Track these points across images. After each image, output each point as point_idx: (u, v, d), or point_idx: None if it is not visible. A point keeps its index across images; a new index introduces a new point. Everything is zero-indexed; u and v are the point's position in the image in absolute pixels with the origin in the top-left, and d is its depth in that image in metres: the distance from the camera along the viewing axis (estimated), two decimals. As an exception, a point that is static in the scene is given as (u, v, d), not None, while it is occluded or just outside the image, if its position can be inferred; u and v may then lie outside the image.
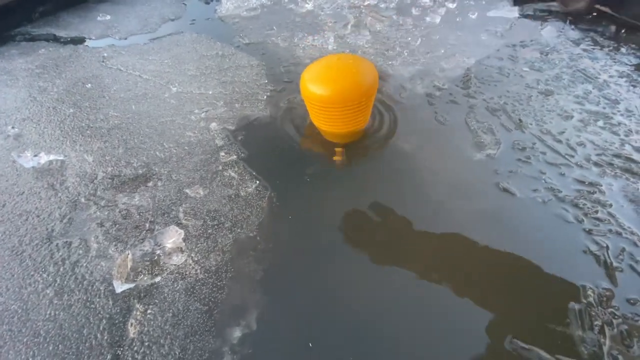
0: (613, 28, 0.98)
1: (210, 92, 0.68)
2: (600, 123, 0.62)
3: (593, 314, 0.36)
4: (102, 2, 1.07)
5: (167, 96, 0.67)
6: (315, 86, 0.51)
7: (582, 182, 0.51)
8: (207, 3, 1.09)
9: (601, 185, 0.50)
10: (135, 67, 0.76)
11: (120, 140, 0.57)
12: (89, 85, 0.70)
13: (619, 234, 0.44)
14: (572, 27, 0.99)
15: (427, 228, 0.45)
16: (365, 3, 1.06)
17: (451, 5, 1.07)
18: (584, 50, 0.87)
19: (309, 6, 1.03)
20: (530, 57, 0.83)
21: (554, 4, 1.13)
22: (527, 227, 0.45)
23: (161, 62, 0.78)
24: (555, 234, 0.44)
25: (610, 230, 0.44)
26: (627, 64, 0.78)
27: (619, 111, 0.65)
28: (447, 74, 0.75)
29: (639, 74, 0.76)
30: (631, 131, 0.60)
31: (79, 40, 0.88)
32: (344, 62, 0.53)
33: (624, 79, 0.74)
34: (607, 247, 0.42)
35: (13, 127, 0.59)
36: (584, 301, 0.37)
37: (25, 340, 0.35)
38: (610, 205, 0.47)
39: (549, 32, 0.96)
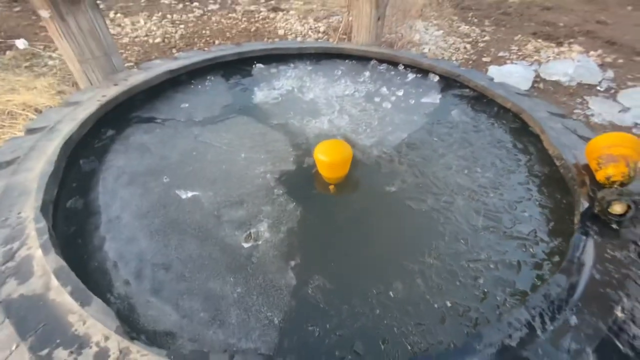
0: (495, 109, 1.63)
1: (263, 157, 1.25)
2: (466, 172, 1.22)
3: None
4: (177, 92, 1.66)
5: (239, 159, 1.23)
6: (322, 154, 1.08)
7: (439, 199, 1.09)
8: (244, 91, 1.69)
9: (453, 202, 1.08)
10: (216, 140, 1.33)
11: (222, 185, 1.13)
12: (195, 153, 1.26)
13: (457, 224, 1.01)
14: (471, 108, 1.63)
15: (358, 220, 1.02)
16: (346, 93, 1.69)
17: (400, 94, 1.71)
18: (474, 125, 1.50)
19: (311, 95, 1.65)
20: (440, 131, 1.45)
21: (466, 90, 1.80)
22: (425, 216, 1.02)
23: (230, 138, 1.35)
24: (426, 221, 1.01)
25: (450, 219, 1.02)
26: (496, 136, 1.41)
27: (478, 166, 1.25)
28: (391, 143, 1.35)
29: (498, 142, 1.38)
30: (479, 177, 1.20)
31: (175, 122, 1.44)
32: (336, 143, 1.11)
33: (491, 146, 1.36)
34: (449, 222, 0.99)
35: (166, 178, 1.14)
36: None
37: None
38: (458, 211, 1.05)
39: (457, 112, 1.60)
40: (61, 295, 0.68)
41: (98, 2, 4.28)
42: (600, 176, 0.99)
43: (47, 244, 0.78)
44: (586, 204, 0.94)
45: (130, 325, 0.72)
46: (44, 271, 0.73)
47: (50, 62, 2.89)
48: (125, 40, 3.76)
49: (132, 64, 3.26)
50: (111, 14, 4.28)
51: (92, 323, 0.64)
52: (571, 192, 1.06)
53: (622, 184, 0.95)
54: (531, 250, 0.94)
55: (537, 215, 1.04)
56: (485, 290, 0.84)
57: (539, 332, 0.66)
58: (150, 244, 0.92)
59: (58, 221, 0.95)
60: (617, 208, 0.87)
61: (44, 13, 1.47)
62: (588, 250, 0.82)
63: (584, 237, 0.85)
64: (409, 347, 0.72)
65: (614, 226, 0.90)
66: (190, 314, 0.77)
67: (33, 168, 1.02)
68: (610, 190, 0.91)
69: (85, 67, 1.64)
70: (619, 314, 0.71)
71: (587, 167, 1.08)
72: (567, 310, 0.70)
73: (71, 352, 0.60)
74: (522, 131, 1.41)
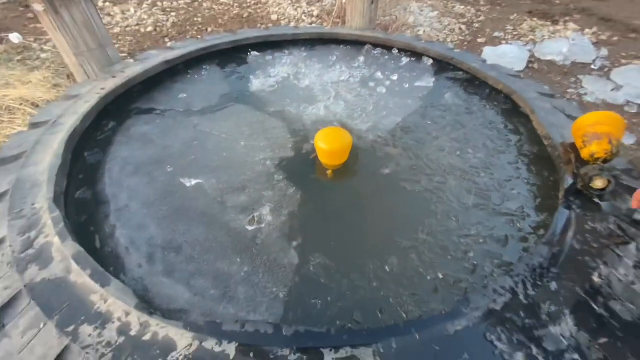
0: (487, 91, 1.66)
1: (262, 144, 1.29)
2: (458, 153, 1.26)
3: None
4: (175, 82, 1.68)
5: (239, 147, 1.27)
6: (322, 143, 1.12)
7: (432, 180, 1.14)
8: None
9: (446, 182, 1.13)
10: (215, 129, 1.36)
11: (224, 172, 1.17)
12: (196, 142, 1.30)
13: (449, 203, 1.07)
14: (464, 90, 1.67)
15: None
16: (341, 79, 1.71)
17: (394, 78, 1.73)
18: (466, 107, 1.54)
19: (306, 82, 1.68)
20: (434, 114, 1.49)
21: (459, 73, 1.82)
22: (419, 196, 1.08)
23: (228, 126, 1.38)
24: (422, 200, 1.07)
25: (442, 198, 1.07)
26: (488, 118, 1.45)
27: (470, 148, 1.30)
28: (386, 128, 1.39)
29: (490, 124, 1.42)
30: (470, 158, 1.25)
31: (174, 113, 1.47)
32: (336, 131, 1.15)
33: (483, 127, 1.40)
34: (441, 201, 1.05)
35: (169, 167, 1.18)
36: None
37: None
38: (450, 191, 1.10)
39: (450, 95, 1.63)
40: (82, 278, 0.74)
41: (86, -10, 4.19)
42: (585, 154, 1.05)
43: (64, 231, 0.83)
44: (570, 181, 1.00)
45: (147, 303, 0.78)
46: (64, 256, 0.78)
47: (43, 55, 2.87)
48: (117, 30, 3.71)
49: (125, 54, 3.23)
50: (100, 3, 4.20)
51: (113, 301, 0.70)
52: (558, 170, 1.11)
53: (606, 161, 1.00)
54: (518, 225, 1.00)
55: (525, 192, 1.10)
56: (475, 262, 0.90)
57: (521, 297, 0.72)
58: (159, 230, 0.97)
59: (69, 211, 0.99)
60: (598, 183, 0.93)
61: (38, 7, 1.47)
62: (570, 223, 0.88)
63: (566, 212, 0.91)
64: (404, 315, 0.78)
65: (596, 200, 0.96)
66: (202, 292, 0.83)
67: (41, 161, 1.06)
68: (592, 167, 0.96)
69: (81, 60, 1.65)
70: (596, 279, 0.78)
71: (573, 146, 1.13)
72: (547, 277, 0.76)
73: (96, 328, 0.66)
74: (513, 112, 1.45)
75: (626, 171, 1.10)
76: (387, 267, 0.89)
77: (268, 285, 0.85)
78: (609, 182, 0.91)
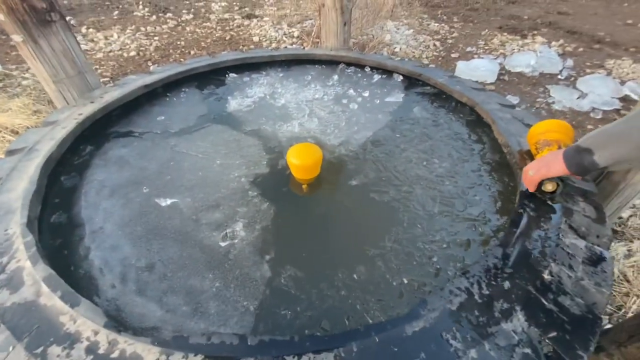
0: (453, 103, 1.76)
1: (237, 162, 1.33)
2: (425, 164, 1.33)
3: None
4: (154, 105, 1.72)
5: (215, 165, 1.31)
6: (293, 158, 1.17)
7: (400, 190, 1.19)
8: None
9: (412, 192, 1.19)
10: (192, 149, 1.40)
11: (199, 191, 1.20)
12: (172, 163, 1.33)
13: (415, 211, 1.12)
14: (431, 104, 1.75)
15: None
16: (315, 97, 1.79)
17: (366, 95, 1.82)
18: (433, 120, 1.62)
19: (282, 101, 1.74)
20: (403, 128, 1.56)
21: (427, 88, 1.92)
22: (387, 206, 1.13)
23: (205, 146, 1.42)
24: (390, 212, 1.12)
25: (408, 207, 1.12)
26: (453, 129, 1.53)
27: (436, 158, 1.37)
28: (357, 142, 1.45)
29: (455, 135, 1.50)
30: (436, 168, 1.31)
31: (152, 135, 1.51)
32: (307, 147, 1.20)
33: (448, 138, 1.47)
34: (406, 209, 1.10)
35: (145, 188, 1.21)
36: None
37: (192, 265, 0.96)
38: (416, 200, 1.16)
39: (418, 109, 1.72)
40: (52, 300, 0.75)
41: (69, 18, 4.26)
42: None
43: (35, 255, 0.84)
44: (524, 186, 1.06)
45: (118, 323, 0.80)
46: (34, 280, 0.80)
47: (24, 82, 2.89)
48: (100, 55, 3.77)
49: (107, 79, 3.28)
50: (83, 29, 4.27)
51: (82, 321, 0.71)
52: (516, 176, 1.18)
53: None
54: (480, 229, 1.05)
55: (486, 198, 1.16)
56: (438, 267, 0.95)
57: (476, 296, 0.77)
58: (133, 250, 1.00)
59: (43, 236, 1.01)
60: (549, 187, 0.99)
61: (17, 37, 1.51)
62: (523, 225, 0.94)
63: (520, 215, 0.97)
64: (370, 321, 0.82)
65: (549, 202, 1.02)
66: (174, 309, 0.85)
67: (16, 188, 1.07)
68: None
69: (60, 87, 1.69)
70: (547, 276, 0.83)
71: (529, 153, 1.21)
72: (501, 277, 0.81)
73: (64, 348, 0.68)
74: (477, 123, 1.53)
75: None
76: (355, 276, 0.92)
77: (239, 299, 0.87)
78: (558, 185, 0.98)
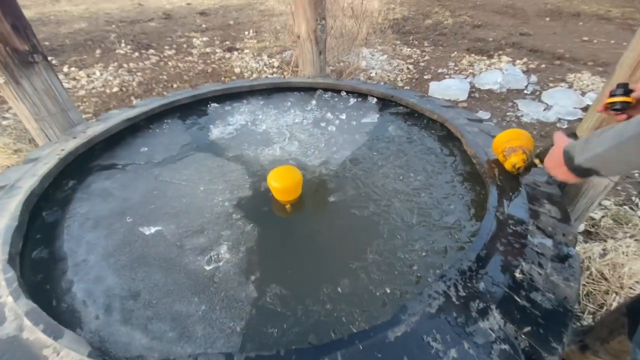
0: (425, 121, 1.86)
1: (221, 187, 1.36)
2: (401, 178, 1.39)
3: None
4: (136, 137, 1.75)
5: (199, 192, 1.34)
6: (274, 181, 1.21)
7: (379, 204, 1.24)
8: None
9: (391, 205, 1.24)
10: (175, 177, 1.43)
11: (183, 217, 1.22)
12: (156, 192, 1.35)
13: (394, 223, 1.17)
14: (405, 123, 1.85)
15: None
16: (295, 121, 1.86)
17: (343, 117, 1.91)
18: (407, 137, 1.71)
19: (263, 127, 1.81)
20: (379, 146, 1.64)
21: (400, 108, 2.03)
22: (367, 220, 1.17)
23: (189, 174, 1.45)
24: (374, 224, 1.16)
25: (388, 219, 1.17)
26: (426, 144, 1.61)
27: (411, 172, 1.44)
28: (336, 161, 1.51)
29: (428, 150, 1.58)
30: (412, 181, 1.38)
31: (135, 166, 1.53)
32: (287, 170, 1.25)
33: (422, 153, 1.55)
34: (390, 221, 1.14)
35: (129, 218, 1.22)
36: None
37: (178, 290, 0.97)
38: (395, 212, 1.21)
39: (393, 128, 1.81)
40: (34, 334, 0.75)
41: (50, 58, 4.32)
42: (508, 165, 1.20)
43: (17, 290, 0.84)
44: (495, 192, 1.13)
45: (102, 353, 0.79)
46: (16, 315, 0.79)
47: (5, 123, 2.89)
48: (82, 92, 3.81)
49: (90, 115, 3.31)
50: (65, 68, 4.33)
51: (66, 352, 0.71)
52: (485, 184, 1.25)
53: (527, 168, 1.16)
54: (456, 236, 1.10)
55: (460, 207, 1.22)
56: (419, 274, 0.98)
57: (453, 298, 0.80)
58: (117, 280, 0.99)
59: (25, 271, 1.00)
60: (513, 159, 1.14)
61: (-2, 79, 1.55)
62: (494, 229, 0.99)
63: (491, 219, 1.03)
64: (355, 331, 0.83)
65: (519, 176, 1.20)
66: (160, 335, 0.84)
67: (-3, 225, 1.07)
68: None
69: (42, 125, 1.71)
70: (518, 275, 0.87)
71: (496, 162, 1.29)
72: (476, 279, 0.85)
73: (47, 382, 0.67)
74: (448, 137, 1.62)
75: (545, 180, 1.26)
76: (339, 289, 0.95)
77: (225, 320, 0.88)
78: (523, 162, 1.10)
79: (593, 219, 2.03)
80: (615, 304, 1.55)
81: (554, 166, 0.80)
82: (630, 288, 1.56)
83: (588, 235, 1.92)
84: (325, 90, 2.20)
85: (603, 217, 2.04)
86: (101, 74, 4.22)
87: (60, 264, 1.05)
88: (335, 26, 4.64)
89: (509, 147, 1.22)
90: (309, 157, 1.55)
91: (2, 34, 1.48)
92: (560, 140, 0.79)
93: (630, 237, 1.86)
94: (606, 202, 2.18)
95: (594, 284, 1.63)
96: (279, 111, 1.97)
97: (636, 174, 2.51)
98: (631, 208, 2.15)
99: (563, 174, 0.78)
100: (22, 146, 2.53)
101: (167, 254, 1.07)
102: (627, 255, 1.68)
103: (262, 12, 7.55)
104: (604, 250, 1.78)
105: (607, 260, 1.69)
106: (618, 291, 1.56)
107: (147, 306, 0.92)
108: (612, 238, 1.87)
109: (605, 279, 1.63)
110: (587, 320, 1.52)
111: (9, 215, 1.10)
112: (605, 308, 1.56)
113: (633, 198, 2.26)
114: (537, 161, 1.06)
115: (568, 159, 0.72)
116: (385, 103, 1.99)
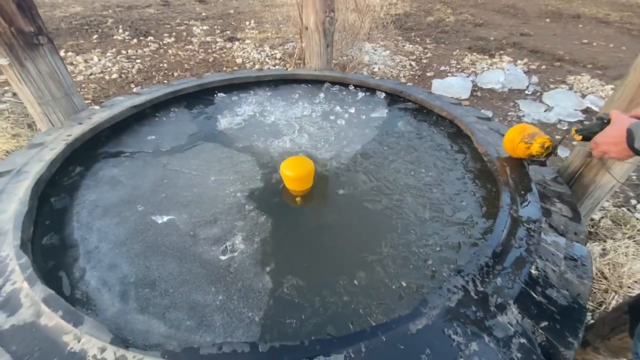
0: (434, 117, 1.87)
1: (232, 178, 1.35)
2: (412, 173, 1.40)
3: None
4: (143, 125, 1.73)
5: (210, 182, 1.33)
6: (287, 170, 1.21)
7: (392, 198, 1.25)
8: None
9: (403, 200, 1.25)
10: (185, 167, 1.41)
11: (196, 207, 1.21)
12: (166, 181, 1.34)
13: (407, 217, 1.17)
14: (414, 118, 1.86)
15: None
16: (304, 114, 1.85)
17: (352, 111, 1.90)
18: (417, 133, 1.71)
19: (272, 118, 1.80)
20: (389, 141, 1.64)
21: (409, 103, 2.03)
22: (380, 214, 1.17)
23: (198, 163, 1.44)
24: (386, 217, 1.17)
25: (401, 214, 1.18)
26: (436, 141, 1.62)
27: (422, 168, 1.44)
28: (347, 155, 1.51)
29: (438, 146, 1.59)
30: (424, 177, 1.38)
31: (143, 154, 1.51)
32: (300, 159, 1.24)
33: (432, 149, 1.56)
34: (399, 216, 1.15)
35: (140, 206, 1.21)
36: (389, 240, 1.08)
37: (193, 280, 0.96)
38: (407, 207, 1.21)
39: (402, 123, 1.81)
40: (53, 320, 0.74)
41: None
42: (535, 149, 1.20)
43: (32, 276, 0.83)
44: (507, 190, 1.14)
45: (124, 341, 0.78)
46: (33, 301, 0.78)
47: (1, 106, 2.81)
48: (80, 78, 3.73)
49: (89, 101, 3.24)
50: (62, 53, 4.23)
51: (87, 339, 0.70)
52: (497, 182, 1.26)
53: (555, 147, 1.17)
54: (469, 232, 1.11)
55: (472, 203, 1.23)
56: (434, 269, 0.99)
57: (472, 293, 0.81)
58: (131, 268, 0.99)
59: (36, 258, 0.98)
60: (536, 145, 1.17)
61: (2, 60, 1.50)
62: (508, 226, 1.00)
63: (505, 216, 1.04)
64: (373, 323, 0.84)
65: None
66: (178, 324, 0.84)
67: (6, 210, 1.05)
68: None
69: (45, 109, 1.67)
70: (534, 271, 0.89)
71: (507, 159, 1.30)
72: (493, 274, 0.86)
73: (69, 368, 0.66)
74: (457, 134, 1.63)
75: (553, 179, 1.27)
76: (355, 282, 0.95)
77: (243, 310, 0.88)
78: (550, 141, 1.15)
79: (593, 219, 2.06)
80: (614, 303, 1.59)
81: (612, 142, 0.76)
82: (629, 287, 1.60)
83: (588, 235, 1.96)
84: (333, 83, 2.19)
85: (602, 218, 2.08)
86: (99, 60, 4.13)
87: (72, 251, 1.04)
88: (338, 19, 4.60)
89: (526, 134, 1.24)
90: (319, 150, 1.54)
91: (7, 13, 1.43)
92: (621, 118, 0.75)
93: (629, 238, 1.90)
94: (605, 204, 2.22)
95: (594, 282, 1.66)
96: (287, 103, 1.96)
97: (634, 176, 2.55)
98: (629, 210, 2.20)
99: (619, 152, 0.75)
100: (20, 131, 2.47)
101: (181, 244, 1.06)
102: (626, 256, 1.72)
103: (263, 1, 7.44)
104: (603, 250, 1.82)
105: (607, 260, 1.72)
106: (617, 290, 1.60)
107: (164, 295, 0.91)
108: (611, 239, 1.91)
109: (605, 278, 1.67)
110: (587, 317, 1.56)
111: (18, 200, 1.08)
112: (604, 306, 1.60)
113: (631, 200, 2.31)
114: (577, 137, 1.01)
115: (631, 138, 0.70)
116: (394, 98, 1.99)
